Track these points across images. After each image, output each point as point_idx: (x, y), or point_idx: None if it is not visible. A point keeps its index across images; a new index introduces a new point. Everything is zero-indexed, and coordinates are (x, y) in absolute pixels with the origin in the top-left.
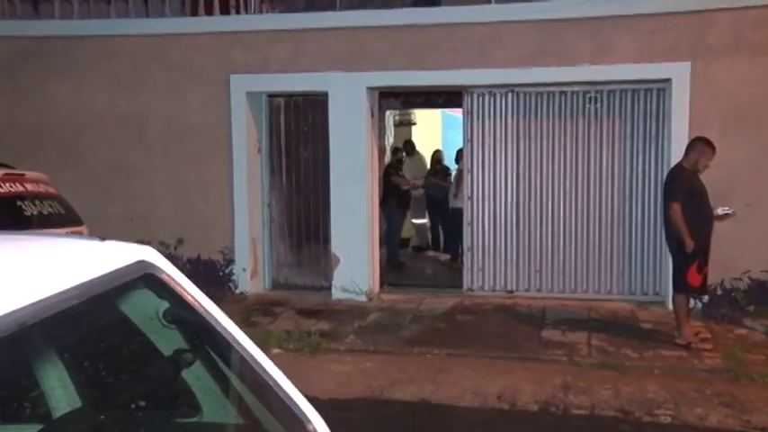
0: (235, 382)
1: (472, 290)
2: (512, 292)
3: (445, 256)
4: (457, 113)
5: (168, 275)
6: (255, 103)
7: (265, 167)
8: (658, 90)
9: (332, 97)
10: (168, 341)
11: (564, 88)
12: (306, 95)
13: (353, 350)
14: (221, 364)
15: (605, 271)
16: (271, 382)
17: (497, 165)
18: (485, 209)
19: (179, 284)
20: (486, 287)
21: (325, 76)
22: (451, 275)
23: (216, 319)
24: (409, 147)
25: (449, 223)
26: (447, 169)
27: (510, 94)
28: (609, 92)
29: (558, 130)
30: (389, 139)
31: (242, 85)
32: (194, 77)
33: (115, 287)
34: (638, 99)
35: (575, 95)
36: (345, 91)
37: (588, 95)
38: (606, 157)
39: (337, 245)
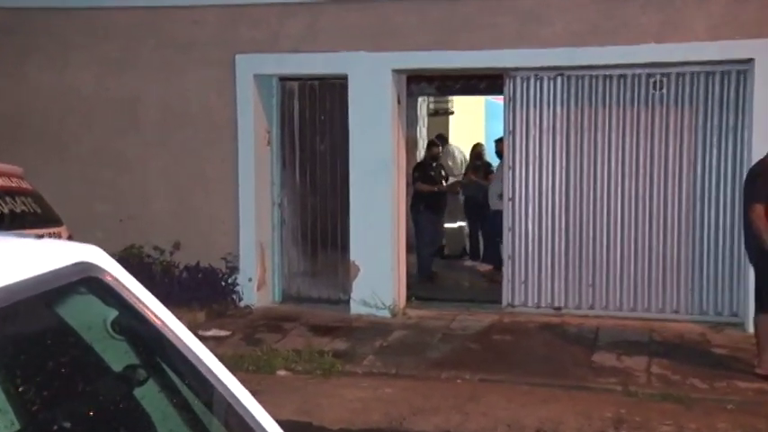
0: (193, 402)
1: (513, 306)
2: (559, 309)
3: (485, 266)
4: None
5: (115, 279)
6: (265, 87)
7: (276, 162)
8: (738, 73)
9: (352, 81)
10: (118, 355)
11: (623, 71)
12: (322, 79)
13: (372, 373)
14: (178, 383)
15: (671, 286)
16: (234, 404)
17: (543, 160)
18: (528, 212)
19: (128, 290)
20: (530, 303)
21: (344, 56)
22: (490, 289)
23: (172, 331)
24: (441, 140)
25: (490, 228)
26: (489, 165)
27: (559, 78)
28: (678, 75)
29: (615, 120)
30: (422, 131)
31: (249, 67)
32: (194, 57)
33: (47, 291)
34: (713, 83)
35: (636, 79)
36: (368, 74)
37: (652, 80)
38: (674, 151)
39: (357, 252)
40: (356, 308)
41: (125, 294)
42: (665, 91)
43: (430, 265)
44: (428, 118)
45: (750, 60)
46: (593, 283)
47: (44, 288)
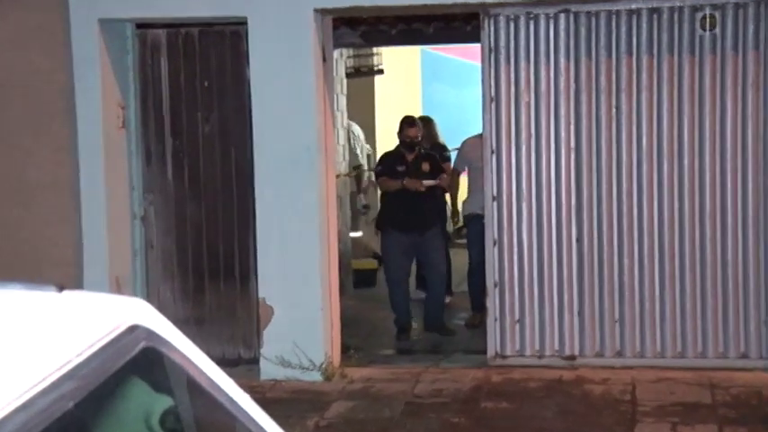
0: None
1: (503, 356)
2: (572, 358)
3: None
4: (447, 52)
5: (175, 349)
6: (115, 39)
7: (137, 153)
8: None
9: (254, 28)
10: None
11: (657, 3)
12: (206, 25)
13: None
14: None
15: (736, 319)
16: None
17: (542, 140)
18: (522, 216)
19: (191, 363)
20: (528, 351)
21: None
22: (468, 333)
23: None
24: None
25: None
26: (444, 150)
27: (563, 17)
28: (737, 7)
29: (647, 76)
30: (338, 100)
31: (91, 8)
32: None
33: (101, 383)
34: None
35: (676, 15)
36: (278, 16)
37: (700, 14)
38: (733, 121)
39: (268, 285)
40: (270, 370)
41: (190, 371)
42: (717, 31)
43: (407, 312)
44: (346, 80)
45: None
46: (620, 319)
47: (96, 378)
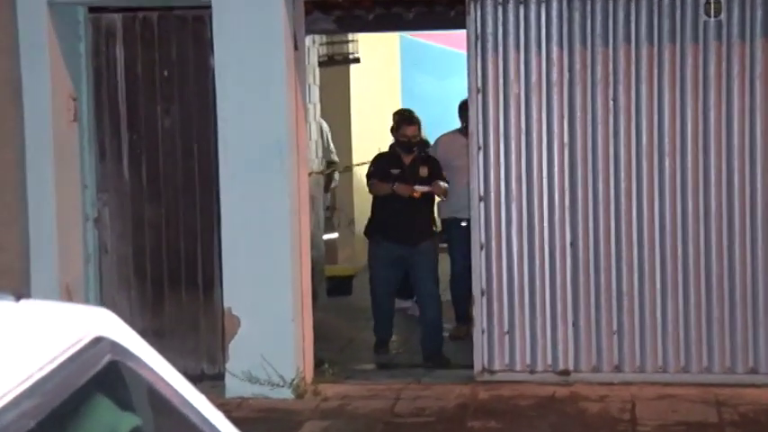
0: None
1: (491, 371)
2: (567, 373)
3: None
4: (429, 39)
5: (143, 363)
6: (67, 24)
7: (89, 149)
8: None
9: (219, 12)
10: None
11: None
12: (167, 10)
13: None
14: None
15: (744, 331)
16: None
17: (533, 135)
18: (511, 218)
19: (160, 378)
20: (519, 365)
21: None
22: (452, 345)
23: None
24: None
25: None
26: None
27: (555, 2)
28: None
29: (647, 66)
30: (311, 91)
31: None
32: None
33: (65, 399)
34: None
35: (677, 0)
36: (245, 0)
37: None
38: (740, 115)
39: (234, 294)
40: (236, 386)
41: (161, 389)
42: (723, 17)
43: (388, 328)
44: (319, 69)
45: None
46: (618, 330)
47: (58, 394)
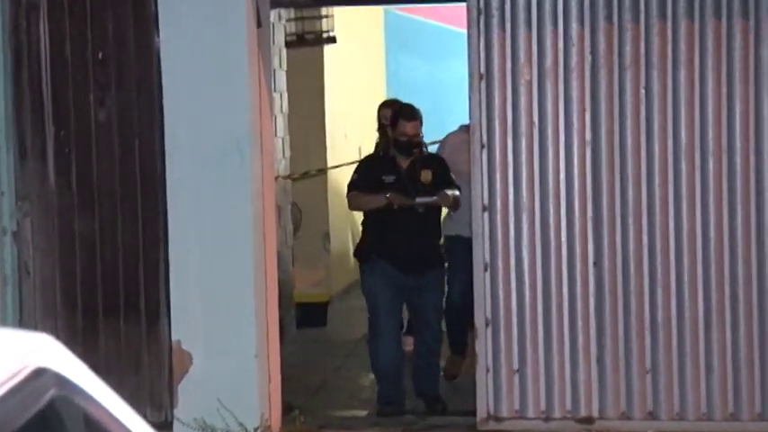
0: None
1: (498, 418)
2: (590, 420)
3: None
4: (420, 14)
5: (91, 398)
6: None
7: (7, 148)
8: None
9: None
10: None
11: None
12: None
13: None
14: None
15: None
16: None
17: (548, 131)
18: (521, 232)
19: (110, 416)
20: (531, 412)
21: None
22: (450, 387)
23: None
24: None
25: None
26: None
27: None
28: None
29: (684, 46)
30: (277, 77)
31: None
32: None
33: None
34: None
35: None
36: None
37: None
38: None
39: (185, 325)
40: None
41: (111, 428)
42: None
43: (393, 380)
44: (286, 51)
45: None
46: (652, 369)
47: None
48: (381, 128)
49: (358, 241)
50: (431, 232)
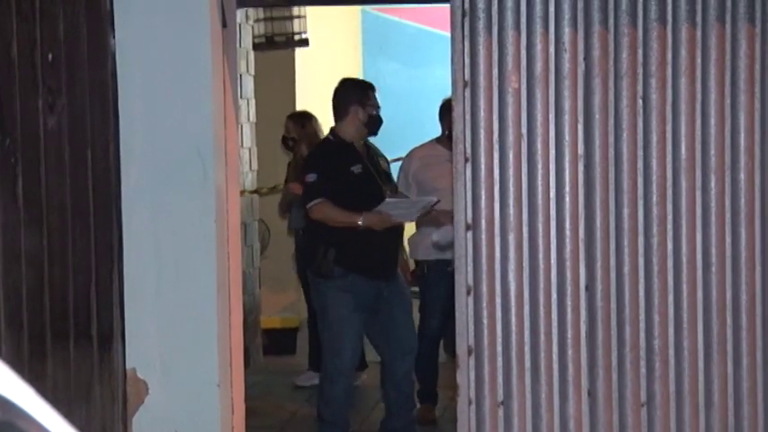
0: None
1: None
2: None
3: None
4: (400, 15)
5: (41, 427)
6: None
7: None
8: None
9: None
10: None
11: None
12: None
13: None
14: None
15: None
16: None
17: (537, 144)
18: (507, 253)
19: None
20: None
21: None
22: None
23: None
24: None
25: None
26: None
27: None
28: None
29: (685, 53)
30: (243, 83)
31: None
32: None
33: None
34: None
35: None
36: None
37: None
38: None
39: (141, 352)
40: None
41: None
42: None
43: (341, 411)
44: (254, 54)
45: None
46: (647, 402)
47: None
48: (285, 141)
49: (316, 255)
50: (394, 235)
